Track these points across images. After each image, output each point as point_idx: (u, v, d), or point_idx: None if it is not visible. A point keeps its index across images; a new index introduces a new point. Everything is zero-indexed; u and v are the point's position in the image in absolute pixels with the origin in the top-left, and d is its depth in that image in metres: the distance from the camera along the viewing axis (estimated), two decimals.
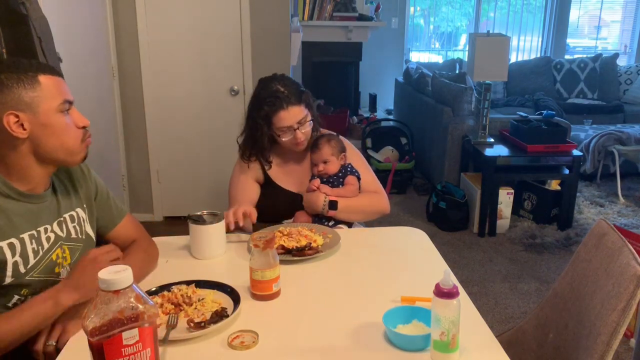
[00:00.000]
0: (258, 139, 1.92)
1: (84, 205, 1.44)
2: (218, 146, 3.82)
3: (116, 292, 0.92)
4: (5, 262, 1.22)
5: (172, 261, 1.62)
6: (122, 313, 0.93)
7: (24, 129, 1.20)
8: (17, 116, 1.19)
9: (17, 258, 1.24)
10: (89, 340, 0.92)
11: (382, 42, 6.31)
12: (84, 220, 1.43)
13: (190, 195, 3.91)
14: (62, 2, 2.61)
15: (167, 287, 1.40)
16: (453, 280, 1.15)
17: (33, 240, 1.28)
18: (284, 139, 1.89)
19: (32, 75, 1.21)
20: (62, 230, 1.36)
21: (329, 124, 2.12)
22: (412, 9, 6.61)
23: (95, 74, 3.29)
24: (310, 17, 5.44)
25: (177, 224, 3.76)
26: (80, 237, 1.41)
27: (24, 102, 1.19)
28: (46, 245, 1.31)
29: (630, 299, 1.16)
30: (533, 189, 3.98)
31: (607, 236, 1.35)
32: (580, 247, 1.45)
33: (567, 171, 3.79)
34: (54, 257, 1.33)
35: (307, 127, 1.90)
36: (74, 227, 1.39)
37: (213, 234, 1.64)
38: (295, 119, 1.86)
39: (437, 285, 1.11)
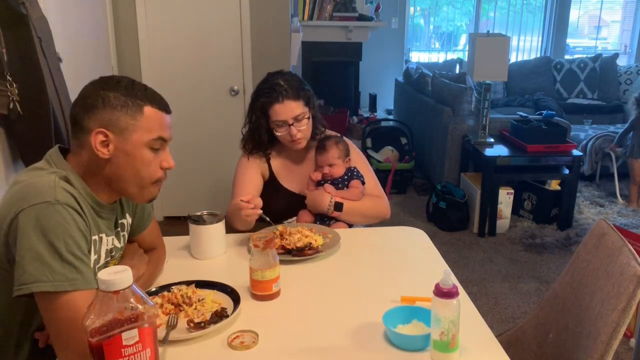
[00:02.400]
0: (256, 131, 1.93)
1: (130, 209, 1.44)
2: (218, 146, 3.81)
3: (116, 292, 0.92)
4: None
5: (172, 261, 1.62)
6: (121, 313, 0.93)
7: (108, 150, 1.20)
8: (106, 136, 1.19)
9: (96, 255, 1.25)
10: (88, 340, 0.92)
11: (382, 42, 6.31)
12: (128, 226, 1.43)
13: (190, 195, 3.91)
14: (62, 2, 2.61)
15: (167, 287, 1.40)
16: (453, 280, 1.15)
17: (107, 243, 1.30)
18: (279, 134, 1.89)
19: (139, 103, 1.21)
20: (119, 241, 1.37)
21: (329, 124, 2.11)
22: (412, 9, 6.61)
23: (95, 74, 3.27)
24: (310, 17, 5.44)
25: (177, 224, 3.76)
26: (125, 244, 1.42)
27: (119, 126, 1.19)
28: (109, 253, 1.33)
29: (630, 299, 1.16)
30: (533, 189, 3.97)
31: (607, 236, 1.35)
32: (580, 247, 1.45)
33: (567, 171, 3.79)
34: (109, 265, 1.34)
35: (304, 125, 1.89)
36: (123, 235, 1.40)
37: (213, 234, 1.64)
38: (290, 114, 1.85)
39: (437, 285, 1.11)
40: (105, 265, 1.31)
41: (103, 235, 1.28)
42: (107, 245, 1.30)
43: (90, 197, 1.23)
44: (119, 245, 1.37)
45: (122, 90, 1.21)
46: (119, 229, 1.37)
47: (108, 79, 1.24)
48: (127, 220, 1.42)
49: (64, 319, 1.07)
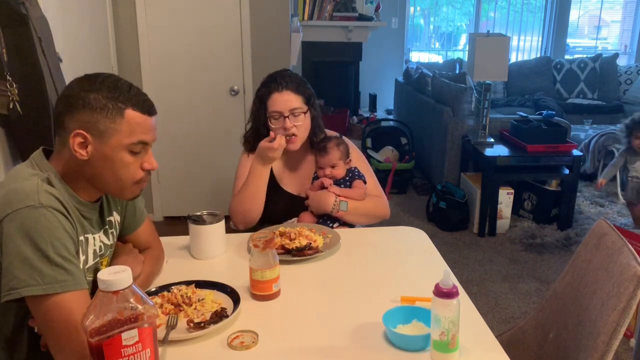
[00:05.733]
0: (255, 124, 1.95)
1: (118, 208, 1.43)
2: (218, 146, 3.81)
3: (115, 292, 0.92)
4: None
5: (172, 261, 1.62)
6: (121, 314, 0.93)
7: (86, 152, 1.18)
8: (85, 138, 1.17)
9: (84, 256, 1.25)
10: (88, 340, 0.92)
11: (382, 42, 6.31)
12: (118, 224, 1.43)
13: (190, 195, 3.91)
14: (62, 2, 2.61)
15: (166, 287, 1.40)
16: (453, 280, 1.15)
17: (94, 242, 1.29)
18: (273, 127, 1.88)
19: (120, 106, 1.17)
20: (108, 238, 1.37)
21: (329, 124, 2.11)
22: (412, 9, 6.61)
23: None
24: (310, 17, 5.44)
25: (177, 224, 3.76)
26: (114, 242, 1.41)
27: (98, 128, 1.17)
28: (98, 253, 1.32)
29: (630, 299, 1.16)
30: (533, 189, 3.97)
31: (607, 236, 1.35)
32: (580, 247, 1.45)
33: (567, 171, 3.79)
34: (99, 264, 1.34)
35: (300, 122, 1.88)
36: (112, 232, 1.39)
37: (213, 234, 1.64)
38: (287, 106, 1.85)
39: (437, 285, 1.11)
40: (95, 265, 1.30)
41: (89, 235, 1.27)
42: (94, 245, 1.29)
43: (72, 197, 1.22)
44: (108, 243, 1.36)
45: (104, 92, 1.17)
46: (106, 226, 1.36)
47: (92, 78, 1.20)
48: (115, 217, 1.41)
49: (57, 321, 1.07)
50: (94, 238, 1.29)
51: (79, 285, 1.11)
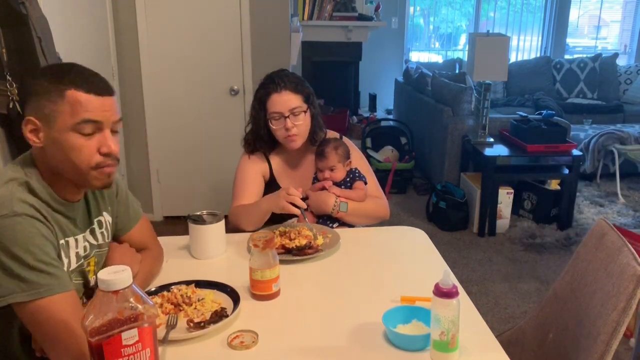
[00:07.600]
0: (255, 126, 1.94)
1: (109, 208, 1.42)
2: (218, 146, 3.81)
3: (115, 292, 0.92)
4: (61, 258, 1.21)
5: (172, 261, 1.62)
6: (121, 313, 0.93)
7: (39, 139, 1.17)
8: (35, 124, 1.16)
9: (67, 259, 1.24)
10: (88, 340, 0.92)
11: (382, 42, 6.31)
12: (109, 224, 1.41)
13: (190, 195, 3.91)
14: (62, 2, 2.61)
15: (166, 287, 1.40)
16: (453, 280, 1.15)
17: (75, 245, 1.28)
18: (274, 127, 1.88)
19: (61, 88, 1.14)
20: (94, 238, 1.35)
21: (329, 124, 2.11)
22: (412, 8, 6.61)
23: None
24: (310, 17, 5.44)
25: (177, 224, 3.76)
26: (106, 242, 1.40)
27: (44, 113, 1.16)
28: (82, 253, 1.31)
29: (630, 299, 1.16)
30: (533, 189, 3.97)
31: (607, 236, 1.35)
32: (580, 247, 1.45)
33: (567, 171, 3.79)
34: (86, 265, 1.33)
35: (301, 121, 1.88)
36: (102, 232, 1.38)
37: (213, 234, 1.64)
38: (287, 106, 1.85)
39: (437, 285, 1.11)
40: (80, 267, 1.29)
41: (70, 238, 1.25)
42: (76, 247, 1.28)
43: (53, 198, 1.20)
44: (95, 243, 1.34)
45: (47, 77, 1.17)
46: (94, 226, 1.35)
47: (44, 67, 1.22)
48: (106, 218, 1.40)
49: (48, 325, 1.07)
50: (76, 240, 1.27)
51: (65, 288, 1.10)
